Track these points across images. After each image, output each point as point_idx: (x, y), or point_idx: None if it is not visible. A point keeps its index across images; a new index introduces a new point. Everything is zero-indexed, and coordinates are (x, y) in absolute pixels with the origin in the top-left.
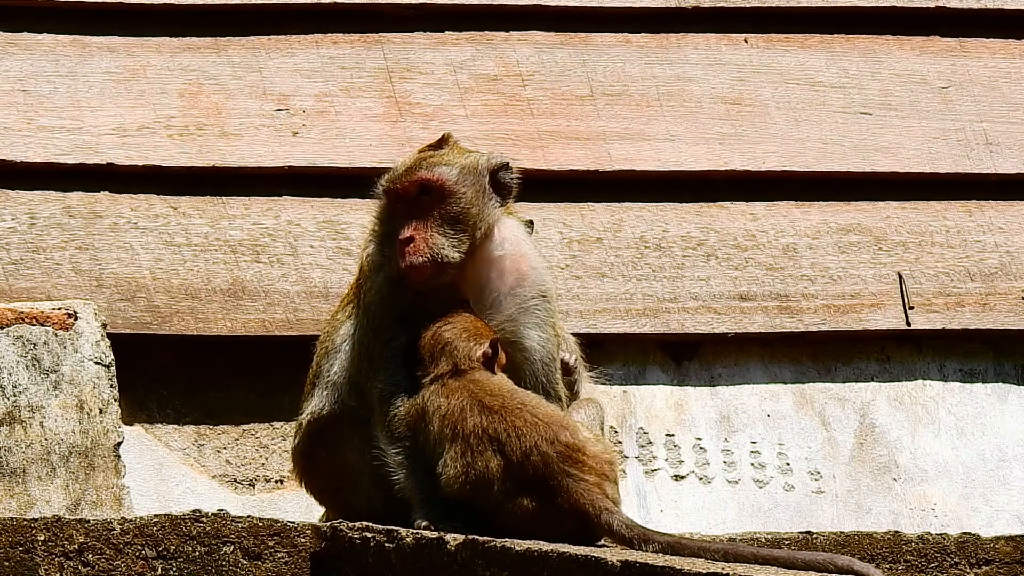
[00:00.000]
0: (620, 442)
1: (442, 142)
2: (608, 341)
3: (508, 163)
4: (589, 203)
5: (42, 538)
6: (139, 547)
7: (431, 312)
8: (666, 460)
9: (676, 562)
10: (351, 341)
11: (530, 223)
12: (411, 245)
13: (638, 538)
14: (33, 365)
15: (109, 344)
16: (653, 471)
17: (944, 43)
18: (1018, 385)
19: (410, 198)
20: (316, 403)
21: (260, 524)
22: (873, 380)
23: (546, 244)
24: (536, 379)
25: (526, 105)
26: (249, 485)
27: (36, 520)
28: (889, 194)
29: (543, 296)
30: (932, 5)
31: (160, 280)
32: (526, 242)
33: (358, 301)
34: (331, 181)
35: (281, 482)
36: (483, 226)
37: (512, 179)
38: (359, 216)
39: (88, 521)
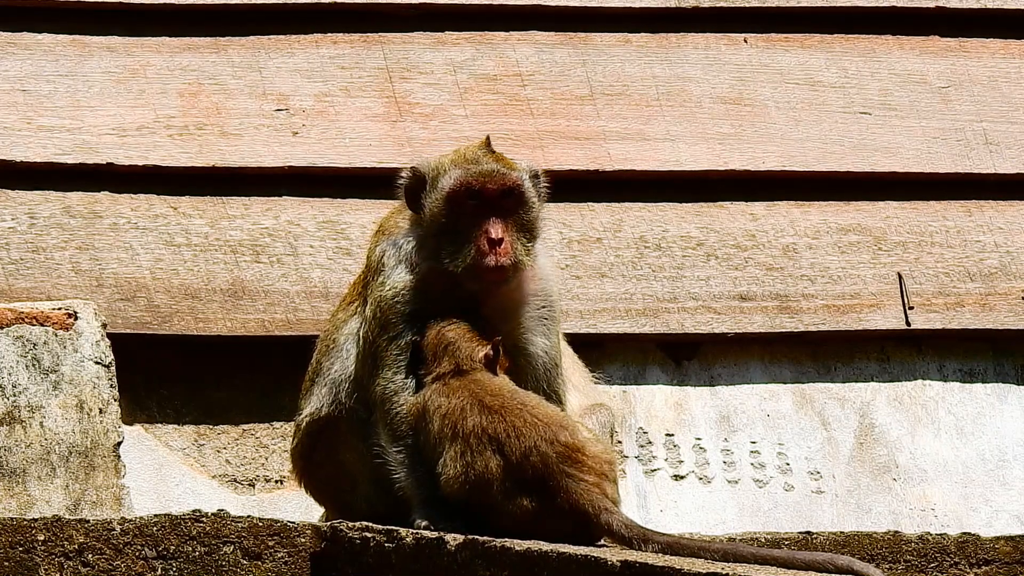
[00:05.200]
0: (620, 442)
1: (489, 143)
2: (608, 341)
3: (540, 171)
4: (589, 203)
5: (42, 538)
6: (139, 547)
7: (442, 312)
8: (666, 460)
9: (676, 562)
10: (355, 339)
11: None
12: (501, 247)
13: (638, 538)
14: (33, 365)
15: (109, 344)
16: (653, 471)
17: (944, 43)
18: (1018, 385)
19: (491, 198)
20: (315, 403)
21: (260, 524)
22: (873, 380)
23: (546, 244)
24: (538, 384)
25: (526, 105)
26: (249, 485)
27: (36, 520)
28: (889, 194)
29: (550, 305)
30: (932, 5)
31: (160, 280)
32: (540, 250)
33: (364, 298)
34: (331, 181)
35: (281, 482)
36: (541, 234)
37: (545, 187)
38: (359, 216)
39: (88, 521)
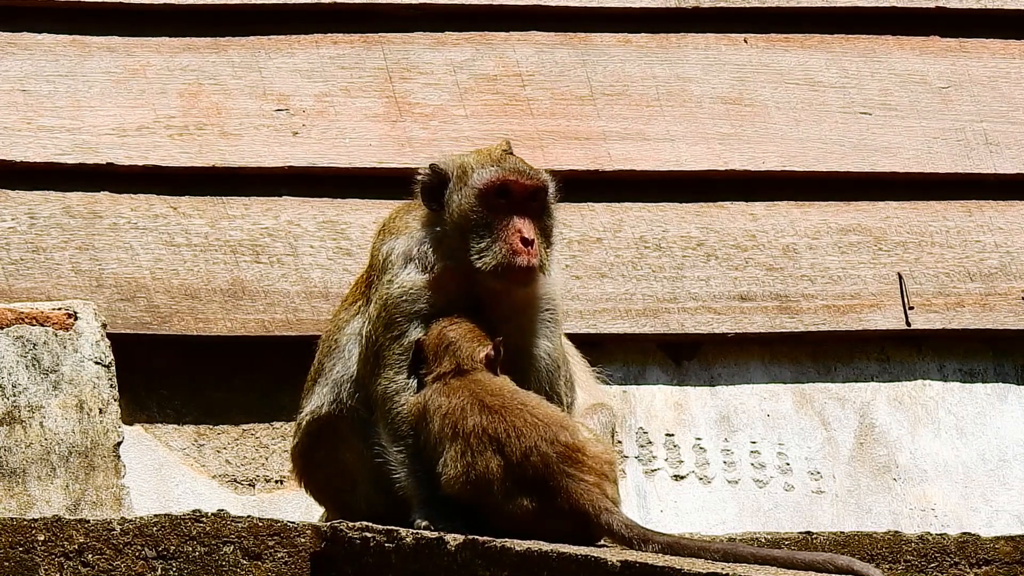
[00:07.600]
0: (620, 442)
1: (509, 147)
2: (608, 341)
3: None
4: (589, 203)
5: (42, 538)
6: (139, 547)
7: (447, 312)
8: (666, 460)
9: (676, 562)
10: (357, 339)
11: None
12: (532, 247)
13: (638, 538)
14: (33, 365)
15: (109, 344)
16: (653, 471)
17: (944, 43)
18: (1018, 385)
19: (523, 197)
20: (316, 402)
21: (260, 524)
22: (873, 380)
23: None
24: (540, 385)
25: (526, 105)
26: (249, 485)
27: (36, 520)
28: (889, 194)
29: (554, 308)
30: (932, 5)
31: (160, 280)
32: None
33: (367, 298)
34: (331, 181)
35: (281, 482)
36: (556, 241)
37: (554, 196)
38: (359, 216)
39: (88, 521)
